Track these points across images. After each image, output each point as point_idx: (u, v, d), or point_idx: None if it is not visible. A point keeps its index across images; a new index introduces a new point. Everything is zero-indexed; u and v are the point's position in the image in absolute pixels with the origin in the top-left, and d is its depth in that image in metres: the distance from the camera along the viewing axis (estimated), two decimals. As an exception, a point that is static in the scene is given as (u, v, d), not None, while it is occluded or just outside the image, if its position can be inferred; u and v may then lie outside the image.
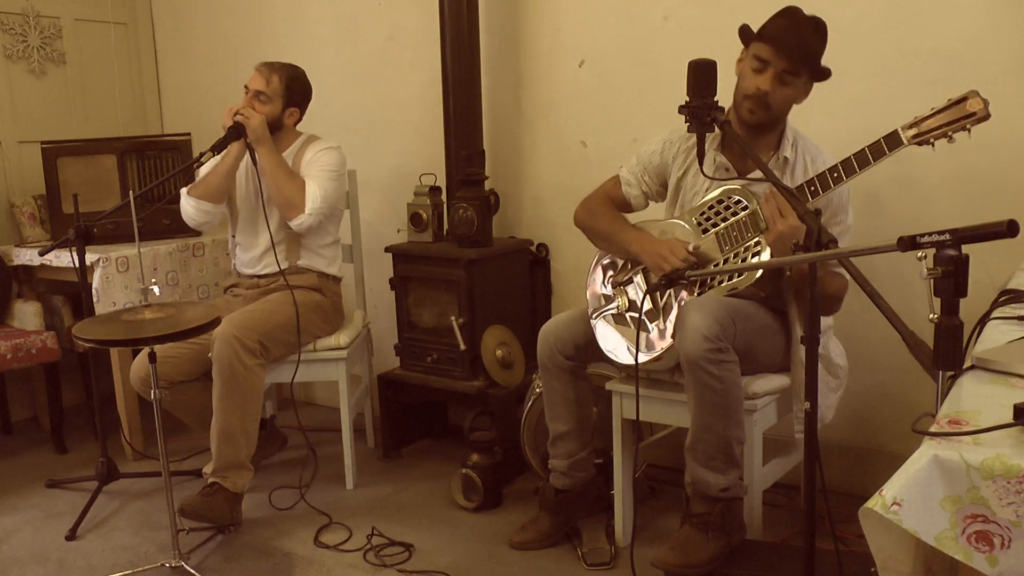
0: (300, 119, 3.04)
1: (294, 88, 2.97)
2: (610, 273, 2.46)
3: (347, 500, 2.93)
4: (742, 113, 2.23)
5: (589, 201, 2.53)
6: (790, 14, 2.17)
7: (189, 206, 2.97)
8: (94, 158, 3.45)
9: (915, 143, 1.91)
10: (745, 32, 2.22)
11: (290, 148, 3.00)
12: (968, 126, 1.86)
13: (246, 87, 2.94)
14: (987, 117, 1.85)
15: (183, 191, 2.96)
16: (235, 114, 2.82)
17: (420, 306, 3.15)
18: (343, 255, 3.25)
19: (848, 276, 1.68)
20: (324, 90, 3.61)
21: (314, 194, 2.85)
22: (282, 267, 2.95)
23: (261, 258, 3.01)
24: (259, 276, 3.03)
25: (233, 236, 3.11)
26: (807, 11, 2.20)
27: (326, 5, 3.62)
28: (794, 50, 2.14)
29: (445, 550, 2.56)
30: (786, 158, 2.26)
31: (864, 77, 2.56)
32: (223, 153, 2.84)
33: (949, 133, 1.88)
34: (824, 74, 2.21)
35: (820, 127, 2.51)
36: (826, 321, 2.32)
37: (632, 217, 2.49)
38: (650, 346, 2.27)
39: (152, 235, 3.43)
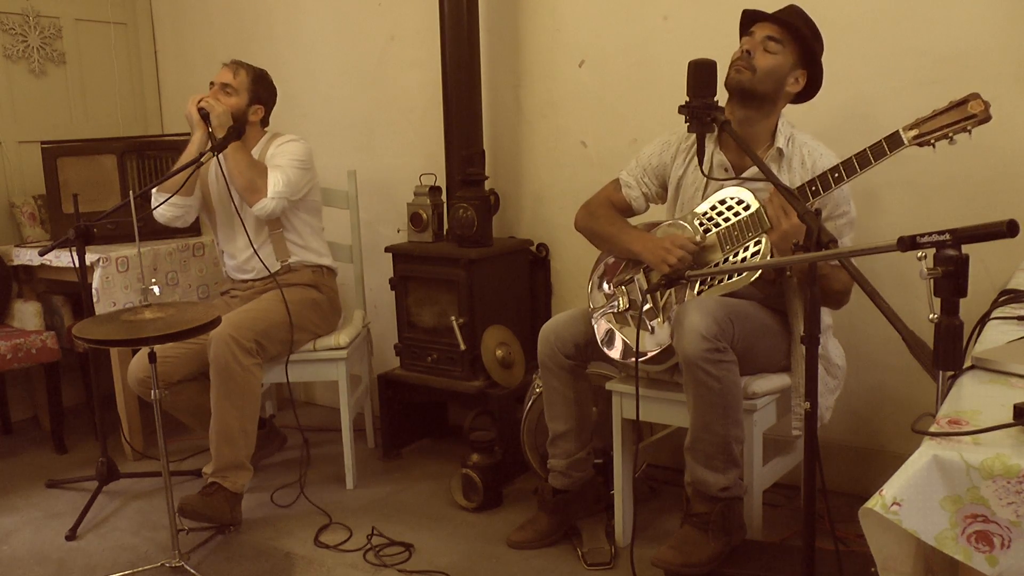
0: (265, 119, 3.03)
1: (260, 86, 2.98)
2: (611, 274, 2.46)
3: (347, 500, 2.93)
4: (729, 78, 2.23)
5: (589, 205, 2.53)
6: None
7: (158, 202, 2.93)
8: (94, 158, 3.44)
9: (916, 144, 1.91)
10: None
11: (256, 145, 2.99)
12: (969, 127, 1.87)
13: (212, 83, 2.95)
14: (988, 119, 1.85)
15: (153, 190, 2.89)
16: (199, 102, 2.82)
17: (420, 306, 3.15)
18: (343, 255, 3.25)
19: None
20: (324, 90, 3.63)
21: (276, 179, 2.84)
22: (274, 268, 2.94)
23: (248, 262, 3.00)
24: (254, 280, 3.02)
25: (218, 245, 3.11)
26: (810, 10, 2.23)
27: (326, 5, 3.62)
28: (779, 17, 2.22)
29: (445, 550, 2.56)
30: (780, 149, 2.27)
31: (864, 77, 2.56)
32: (188, 145, 2.86)
33: (950, 134, 1.88)
34: (814, 58, 2.25)
35: (821, 127, 2.51)
36: (825, 320, 2.32)
37: (634, 220, 2.50)
38: (650, 345, 2.27)
39: (152, 235, 3.42)
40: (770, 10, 2.25)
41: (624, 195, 2.48)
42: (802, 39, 2.22)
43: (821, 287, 1.76)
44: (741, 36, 2.31)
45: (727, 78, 2.23)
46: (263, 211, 2.85)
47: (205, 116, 2.81)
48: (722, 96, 1.98)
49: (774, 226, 2.12)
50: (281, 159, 2.91)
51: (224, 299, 3.08)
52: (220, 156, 2.79)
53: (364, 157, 3.55)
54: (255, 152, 2.98)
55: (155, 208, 2.90)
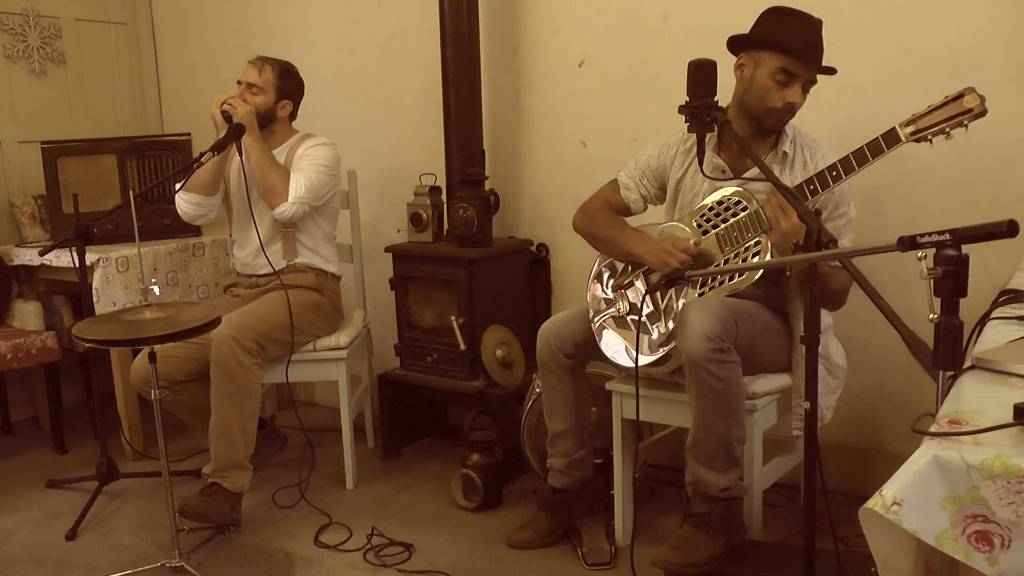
0: (294, 112, 3.04)
1: (287, 80, 2.98)
2: (610, 277, 2.46)
3: (347, 500, 2.93)
4: (766, 123, 2.22)
5: (587, 207, 2.53)
6: (802, 18, 2.16)
7: (181, 200, 2.96)
8: (94, 158, 3.44)
9: (913, 140, 1.91)
10: (744, 41, 2.22)
11: (284, 144, 3.00)
12: (965, 122, 1.86)
13: (239, 81, 2.95)
14: (984, 113, 1.84)
15: (178, 192, 2.95)
16: (223, 104, 2.82)
17: (420, 306, 3.15)
18: (343, 255, 3.25)
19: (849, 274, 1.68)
20: (325, 90, 3.63)
21: (298, 183, 2.84)
22: (280, 266, 2.95)
23: (256, 256, 3.00)
24: (257, 276, 3.03)
25: (230, 235, 3.11)
26: (813, 10, 2.19)
27: (326, 5, 3.62)
28: (819, 60, 2.18)
29: (445, 550, 2.56)
30: (785, 153, 2.27)
31: (864, 77, 2.56)
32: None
33: (947, 129, 1.88)
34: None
35: (821, 127, 2.51)
36: (826, 320, 2.32)
37: (631, 221, 2.49)
38: (651, 348, 2.27)
39: (152, 235, 3.42)
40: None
41: (623, 197, 2.48)
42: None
43: (821, 287, 1.75)
44: (761, 58, 2.18)
45: (762, 121, 2.21)
46: (283, 215, 2.85)
47: (228, 118, 2.80)
48: (721, 96, 1.97)
49: (773, 226, 2.11)
50: (306, 163, 2.91)
51: (226, 296, 3.08)
52: (243, 155, 2.80)
53: (364, 157, 3.55)
54: (284, 150, 2.98)
55: (179, 208, 2.96)
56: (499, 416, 2.92)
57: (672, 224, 2.35)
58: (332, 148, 2.98)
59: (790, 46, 2.13)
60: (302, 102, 3.08)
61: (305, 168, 2.89)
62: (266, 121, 2.93)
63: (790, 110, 2.20)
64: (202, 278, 3.50)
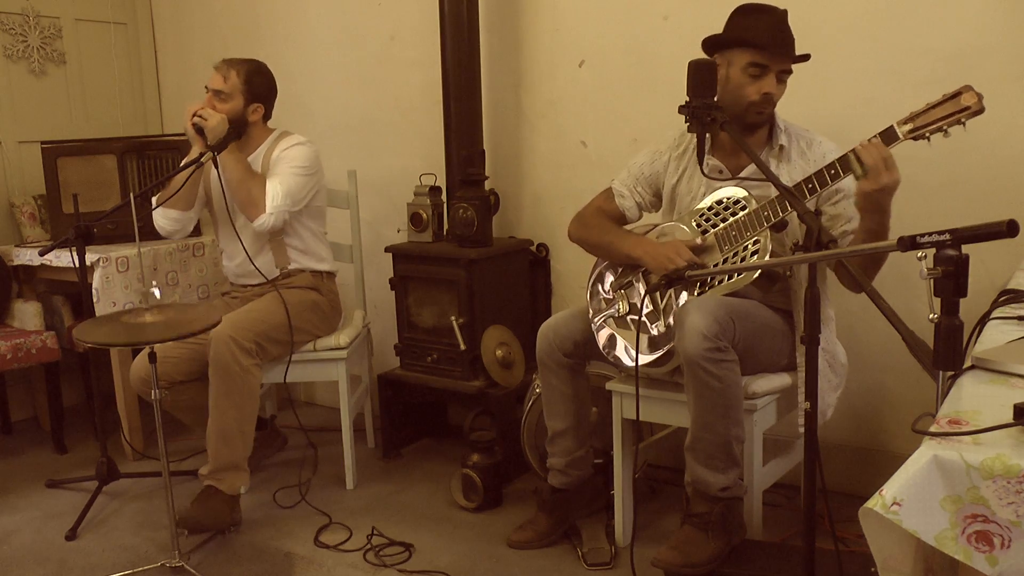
0: (267, 114, 2.97)
1: (255, 82, 2.88)
2: (610, 278, 2.46)
3: (347, 500, 2.93)
4: (748, 118, 2.24)
5: (582, 215, 2.53)
6: (766, 11, 2.21)
7: (157, 215, 2.92)
8: (94, 158, 3.44)
9: (911, 138, 1.91)
10: (717, 41, 2.25)
11: (260, 147, 2.95)
12: (963, 120, 1.86)
13: (206, 87, 2.89)
14: (981, 111, 1.85)
15: (158, 205, 2.90)
16: (193, 117, 2.78)
17: (420, 306, 3.15)
18: (343, 255, 3.25)
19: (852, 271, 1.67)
20: (325, 90, 3.63)
21: (275, 192, 2.78)
22: (273, 275, 2.93)
23: (245, 266, 2.95)
24: (252, 285, 3.01)
25: (219, 243, 3.09)
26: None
27: (326, 5, 3.62)
28: (788, 50, 2.21)
29: (445, 550, 2.56)
30: (782, 146, 2.28)
31: (864, 77, 2.56)
32: (185, 158, 2.81)
33: (945, 127, 1.88)
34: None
35: (821, 126, 2.51)
36: (827, 312, 2.33)
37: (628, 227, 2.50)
38: (651, 348, 2.27)
39: (152, 235, 3.41)
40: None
41: (617, 204, 2.48)
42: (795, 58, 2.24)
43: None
44: (733, 56, 2.21)
45: (746, 116, 2.22)
46: (263, 227, 2.81)
47: (200, 131, 2.76)
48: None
49: (870, 176, 1.93)
50: (283, 166, 2.85)
51: (224, 299, 3.08)
52: (219, 168, 2.76)
53: (364, 157, 3.55)
54: (260, 153, 2.94)
55: (156, 222, 2.93)
56: (499, 416, 2.92)
57: (672, 224, 2.35)
58: (308, 147, 2.92)
59: (756, 39, 2.17)
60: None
61: (282, 173, 2.83)
62: (238, 128, 2.85)
63: (768, 101, 2.22)
64: (202, 278, 3.50)
